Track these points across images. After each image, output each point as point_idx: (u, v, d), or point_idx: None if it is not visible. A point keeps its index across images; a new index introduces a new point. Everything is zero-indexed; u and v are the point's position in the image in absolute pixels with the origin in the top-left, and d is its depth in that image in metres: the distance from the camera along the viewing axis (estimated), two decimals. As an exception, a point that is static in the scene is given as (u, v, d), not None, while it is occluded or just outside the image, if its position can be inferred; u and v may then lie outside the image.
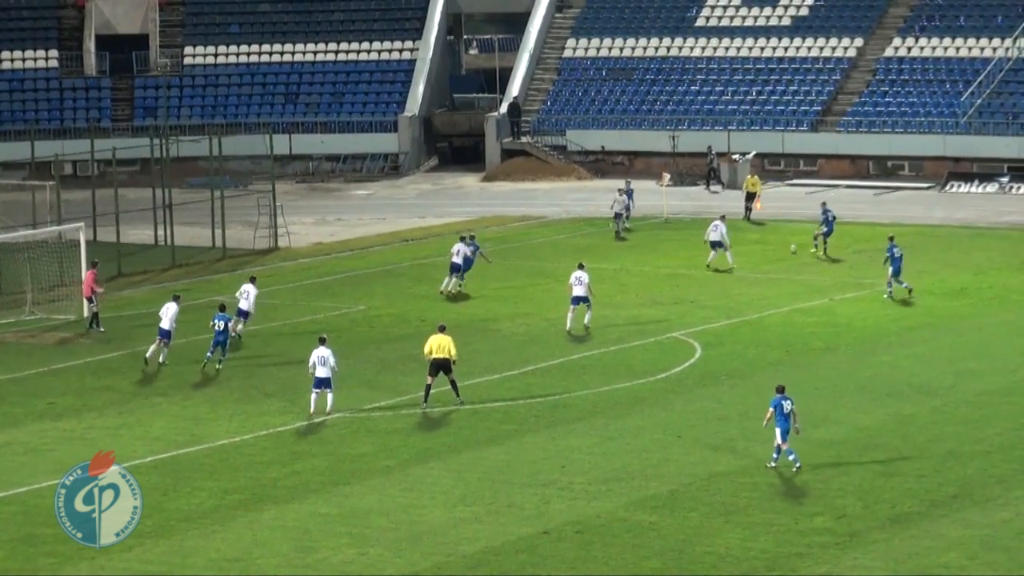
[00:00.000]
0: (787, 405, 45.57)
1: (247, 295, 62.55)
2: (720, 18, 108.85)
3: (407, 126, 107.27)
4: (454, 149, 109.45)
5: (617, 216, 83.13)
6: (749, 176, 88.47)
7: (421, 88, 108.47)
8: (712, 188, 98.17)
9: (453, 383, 52.14)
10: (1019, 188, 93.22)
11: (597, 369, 57.37)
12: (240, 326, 62.07)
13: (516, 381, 55.80)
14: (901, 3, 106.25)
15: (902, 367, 57.15)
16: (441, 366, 52.09)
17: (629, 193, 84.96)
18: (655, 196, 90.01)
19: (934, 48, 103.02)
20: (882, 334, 62.27)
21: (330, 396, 51.93)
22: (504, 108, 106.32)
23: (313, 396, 51.91)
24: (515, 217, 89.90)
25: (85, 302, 65.37)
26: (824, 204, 78.08)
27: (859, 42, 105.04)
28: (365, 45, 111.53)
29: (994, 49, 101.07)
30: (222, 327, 58.30)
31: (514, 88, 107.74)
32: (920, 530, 40.98)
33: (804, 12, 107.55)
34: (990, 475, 45.06)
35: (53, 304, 67.32)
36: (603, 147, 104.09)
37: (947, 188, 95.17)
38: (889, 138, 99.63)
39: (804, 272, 71.30)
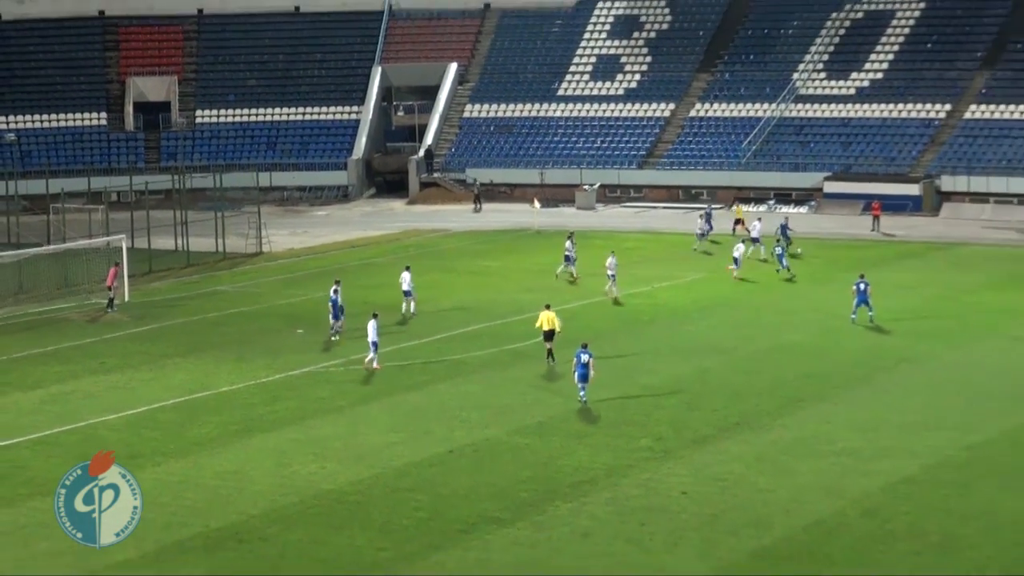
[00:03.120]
0: (584, 357, 45.82)
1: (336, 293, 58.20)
2: (575, 89, 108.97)
3: (354, 166, 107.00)
4: (387, 182, 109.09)
5: (701, 235, 79.05)
6: (736, 206, 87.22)
7: (363, 139, 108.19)
8: (476, 209, 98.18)
9: (550, 351, 51.44)
10: (781, 208, 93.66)
11: (487, 336, 57.49)
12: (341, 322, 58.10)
13: (429, 346, 55.87)
14: (700, 79, 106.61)
15: (701, 334, 57.53)
16: (549, 335, 51.32)
17: (708, 216, 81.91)
18: (528, 215, 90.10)
19: (723, 110, 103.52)
20: (687, 311, 62.57)
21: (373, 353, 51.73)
22: (422, 153, 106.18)
23: (370, 354, 51.65)
24: (429, 230, 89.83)
25: (107, 290, 65.08)
26: (757, 224, 76.59)
27: (672, 106, 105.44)
28: (324, 108, 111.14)
29: (764, 111, 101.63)
30: (339, 301, 57.35)
31: (429, 138, 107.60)
32: (714, 448, 41.34)
33: (633, 85, 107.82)
34: (762, 409, 45.48)
35: (104, 293, 66.91)
36: (491, 180, 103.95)
37: (732, 208, 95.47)
38: (693, 173, 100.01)
39: (634, 268, 71.47)
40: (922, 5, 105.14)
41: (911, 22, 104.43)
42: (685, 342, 55.70)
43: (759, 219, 77.39)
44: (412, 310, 61.45)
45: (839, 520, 35.13)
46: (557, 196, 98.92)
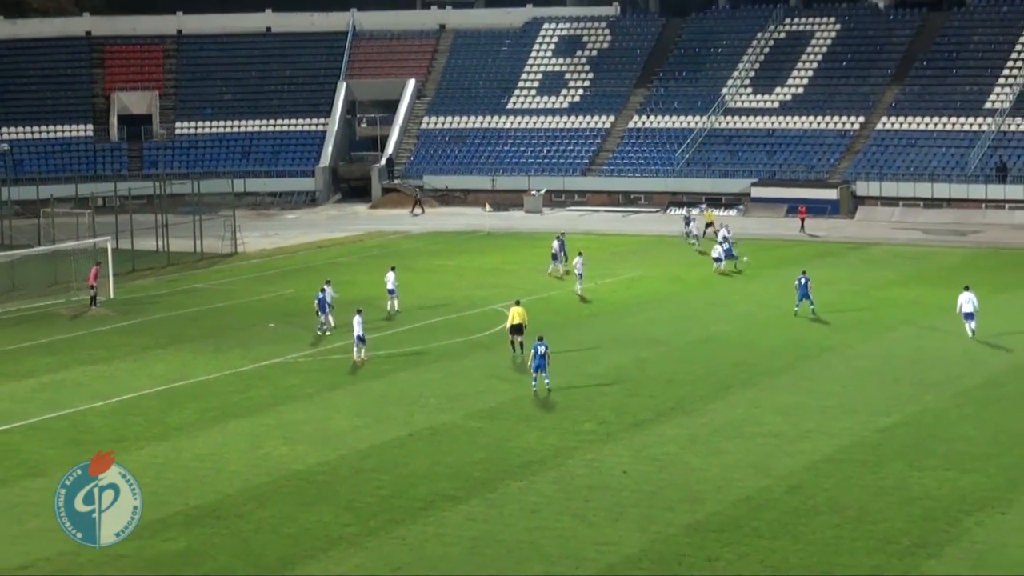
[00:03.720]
0: (540, 349, 45.74)
1: (328, 294, 56.80)
2: (523, 102, 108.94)
3: (321, 173, 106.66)
4: (351, 188, 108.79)
5: (694, 236, 78.29)
6: (708, 211, 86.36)
7: (330, 148, 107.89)
8: (415, 213, 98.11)
9: (521, 344, 50.30)
10: (711, 210, 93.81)
11: (444, 329, 57.39)
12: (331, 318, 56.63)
13: (391, 338, 55.69)
14: (638, 93, 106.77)
15: (640, 326, 57.52)
16: (518, 328, 50.46)
17: (688, 219, 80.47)
18: (481, 218, 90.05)
19: (658, 122, 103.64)
20: (627, 305, 62.57)
21: (364, 349, 50.77)
22: (383, 161, 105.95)
23: (355, 348, 50.91)
24: (390, 232, 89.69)
25: (89, 288, 64.62)
26: (727, 228, 74.79)
27: (612, 118, 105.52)
28: (293, 120, 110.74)
29: (696, 122, 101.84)
30: (327, 299, 56.00)
31: (390, 148, 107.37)
32: (652, 431, 41.32)
33: (577, 99, 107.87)
34: (695, 395, 45.52)
35: (90, 290, 66.44)
36: (447, 186, 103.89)
37: (668, 211, 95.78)
38: (631, 180, 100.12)
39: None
40: (838, 26, 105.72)
41: (828, 42, 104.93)
42: (625, 334, 55.65)
43: (725, 226, 77.06)
44: (395, 307, 60.58)
45: (766, 496, 35.17)
46: (507, 201, 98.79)
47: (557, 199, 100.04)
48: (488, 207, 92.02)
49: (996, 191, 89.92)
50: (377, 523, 33.89)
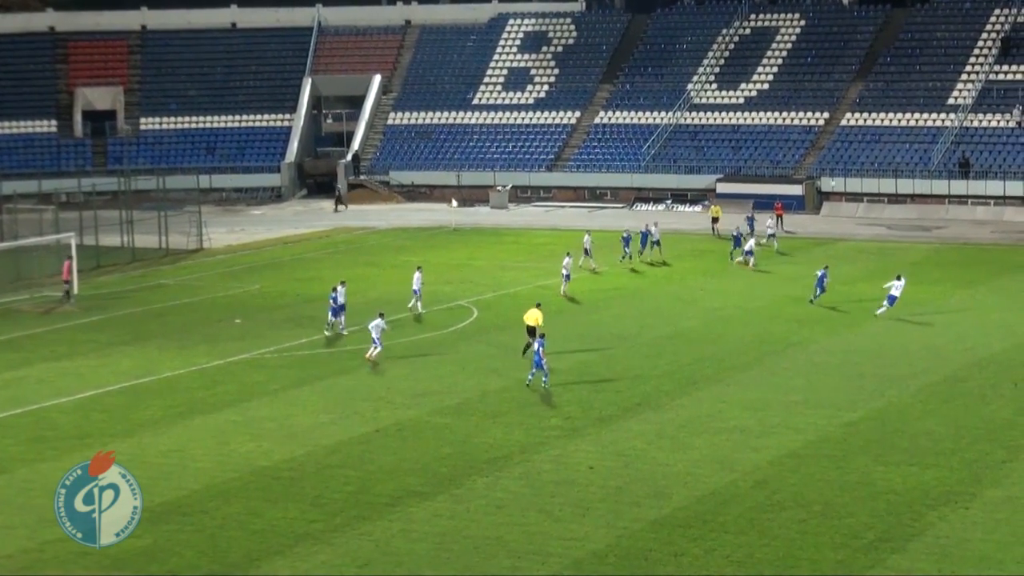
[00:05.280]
0: (535, 345, 45.89)
1: (340, 294, 55.53)
2: (488, 98, 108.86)
3: (287, 169, 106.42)
4: (317, 183, 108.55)
5: (769, 236, 75.64)
6: (713, 206, 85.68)
7: (295, 144, 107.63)
8: (337, 209, 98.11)
9: (528, 346, 49.50)
10: (677, 207, 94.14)
11: (410, 325, 57.28)
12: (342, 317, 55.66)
13: (357, 334, 55.44)
14: (603, 89, 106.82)
15: (606, 322, 57.52)
16: (532, 330, 49.67)
17: (750, 220, 77.34)
18: (446, 214, 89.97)
19: (624, 118, 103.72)
20: (593, 301, 62.55)
21: (378, 348, 49.89)
22: (349, 157, 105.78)
23: (373, 348, 50.06)
24: (356, 228, 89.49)
25: (63, 283, 64.39)
26: (740, 226, 74.45)
27: (578, 114, 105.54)
28: (259, 116, 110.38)
29: (662, 118, 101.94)
30: (339, 299, 54.89)
31: (355, 144, 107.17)
32: (618, 426, 41.36)
33: (542, 95, 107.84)
34: (661, 391, 45.56)
35: (54, 287, 66.18)
36: (412, 182, 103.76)
37: (634, 207, 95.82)
38: (597, 175, 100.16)
39: (543, 262, 71.57)
40: (802, 23, 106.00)
41: (793, 38, 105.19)
42: (591, 330, 55.67)
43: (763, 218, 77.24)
44: (409, 306, 59.31)
45: (732, 491, 35.23)
46: (473, 196, 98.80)
47: (523, 195, 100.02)
48: (454, 203, 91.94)
49: (959, 187, 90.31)
50: (343, 519, 33.81)
